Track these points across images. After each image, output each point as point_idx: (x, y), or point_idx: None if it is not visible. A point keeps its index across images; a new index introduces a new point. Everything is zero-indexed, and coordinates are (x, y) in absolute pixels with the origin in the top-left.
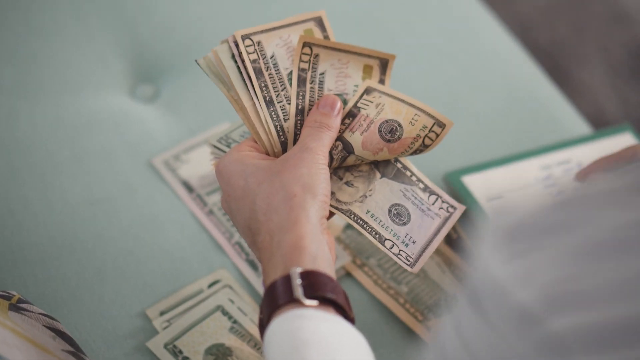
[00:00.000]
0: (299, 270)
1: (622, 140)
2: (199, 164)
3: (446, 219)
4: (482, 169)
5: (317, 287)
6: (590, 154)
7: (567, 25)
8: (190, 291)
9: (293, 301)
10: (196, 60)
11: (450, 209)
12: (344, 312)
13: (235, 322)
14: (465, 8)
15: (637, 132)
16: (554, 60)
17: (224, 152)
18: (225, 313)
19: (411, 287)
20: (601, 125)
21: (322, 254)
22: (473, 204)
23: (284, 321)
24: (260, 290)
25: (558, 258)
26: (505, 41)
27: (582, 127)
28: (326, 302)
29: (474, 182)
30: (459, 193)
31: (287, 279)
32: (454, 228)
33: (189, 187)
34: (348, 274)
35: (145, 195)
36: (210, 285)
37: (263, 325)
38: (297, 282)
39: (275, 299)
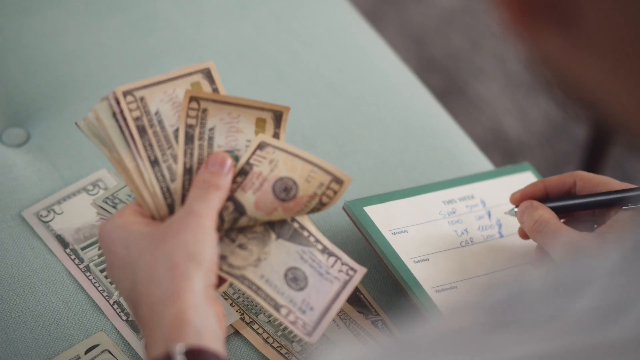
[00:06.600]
0: (181, 348)
1: (523, 178)
2: (74, 216)
3: (346, 283)
4: (384, 200)
5: None
6: (493, 191)
7: (463, 37)
8: (66, 358)
9: None
10: (76, 123)
11: (350, 272)
12: None
13: None
14: (355, 35)
15: (537, 172)
16: (451, 74)
17: (110, 213)
18: None
19: (304, 345)
20: (501, 140)
21: (208, 327)
22: (376, 235)
23: None
24: (142, 354)
25: None
26: (400, 69)
27: (483, 162)
28: None
29: (376, 213)
30: (361, 223)
31: (169, 359)
32: None
33: (63, 242)
34: (236, 333)
35: (14, 252)
36: (88, 351)
37: None
38: None
39: None
